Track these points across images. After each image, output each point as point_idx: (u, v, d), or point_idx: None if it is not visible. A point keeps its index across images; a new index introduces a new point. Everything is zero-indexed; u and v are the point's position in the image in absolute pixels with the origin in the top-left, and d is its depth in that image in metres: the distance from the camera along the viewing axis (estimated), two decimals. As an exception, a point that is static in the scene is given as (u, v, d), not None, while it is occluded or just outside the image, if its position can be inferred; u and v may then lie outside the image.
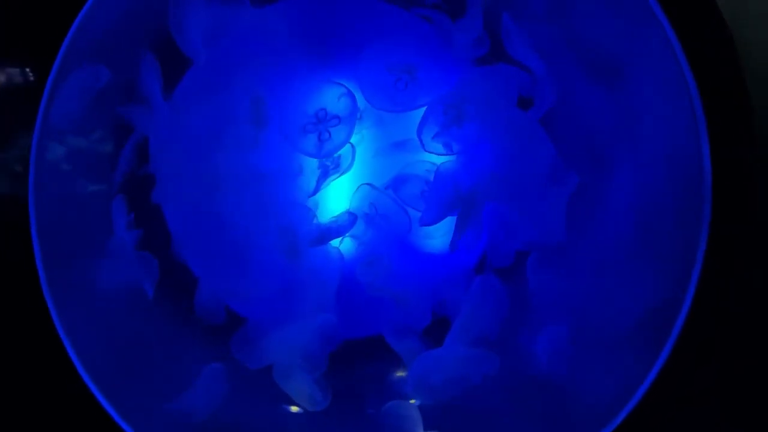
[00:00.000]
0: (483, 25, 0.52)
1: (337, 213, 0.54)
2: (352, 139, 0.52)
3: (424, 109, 0.51)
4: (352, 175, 0.54)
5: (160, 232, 0.55)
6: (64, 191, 0.51)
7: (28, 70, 0.57)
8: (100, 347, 0.49)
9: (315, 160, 0.53)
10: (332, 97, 0.52)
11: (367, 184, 0.54)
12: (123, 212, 0.51)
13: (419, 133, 0.50)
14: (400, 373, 0.55)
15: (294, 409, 0.52)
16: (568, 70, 0.50)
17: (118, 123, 0.53)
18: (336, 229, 0.54)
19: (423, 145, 0.51)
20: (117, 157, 0.53)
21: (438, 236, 0.55)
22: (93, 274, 0.50)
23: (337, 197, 0.56)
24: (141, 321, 0.52)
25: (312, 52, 0.54)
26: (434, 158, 0.53)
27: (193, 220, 0.56)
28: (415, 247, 0.55)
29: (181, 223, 0.57)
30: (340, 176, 0.55)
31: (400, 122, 0.54)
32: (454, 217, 0.52)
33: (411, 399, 0.53)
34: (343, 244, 0.55)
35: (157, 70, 0.52)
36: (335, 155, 0.53)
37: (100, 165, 0.53)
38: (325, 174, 0.54)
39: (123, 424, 0.46)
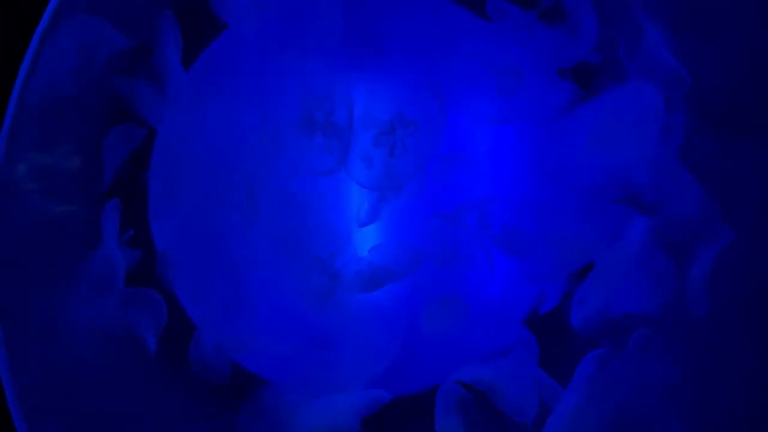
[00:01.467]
0: (599, 33, 0.43)
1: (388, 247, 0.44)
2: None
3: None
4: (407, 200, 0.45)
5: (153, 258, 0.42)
6: (26, 202, 0.39)
7: None
8: (61, 418, 0.36)
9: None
10: (410, 96, 0.40)
11: (439, 214, 0.44)
12: (115, 226, 0.37)
13: (541, 156, 0.39)
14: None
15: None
16: (706, 95, 0.40)
17: (111, 107, 0.42)
18: (394, 271, 0.44)
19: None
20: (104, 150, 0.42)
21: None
22: (60, 314, 0.38)
23: (386, 228, 0.46)
24: (123, 381, 0.40)
25: (370, 42, 0.44)
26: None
27: (195, 243, 0.45)
28: (497, 299, 0.43)
29: (179, 247, 0.45)
30: (400, 201, 0.45)
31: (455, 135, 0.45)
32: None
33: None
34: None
35: (177, 37, 0.39)
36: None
37: (84, 166, 0.42)
38: (381, 197, 0.44)
39: None
